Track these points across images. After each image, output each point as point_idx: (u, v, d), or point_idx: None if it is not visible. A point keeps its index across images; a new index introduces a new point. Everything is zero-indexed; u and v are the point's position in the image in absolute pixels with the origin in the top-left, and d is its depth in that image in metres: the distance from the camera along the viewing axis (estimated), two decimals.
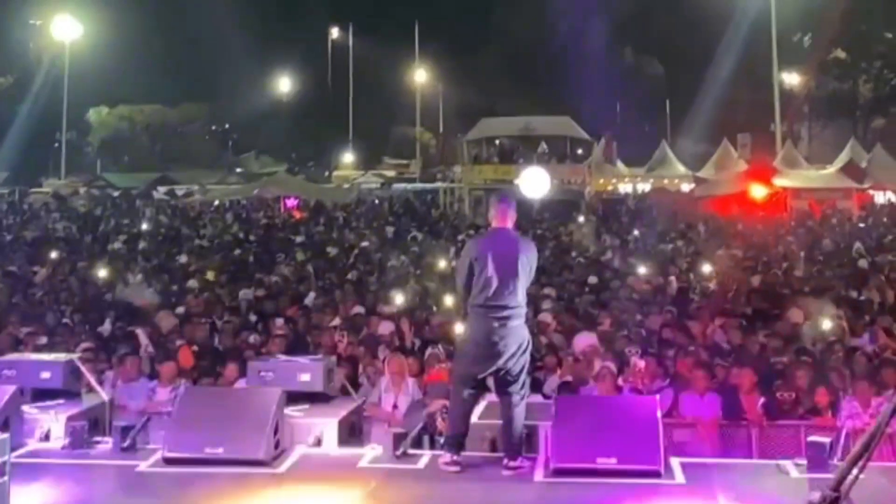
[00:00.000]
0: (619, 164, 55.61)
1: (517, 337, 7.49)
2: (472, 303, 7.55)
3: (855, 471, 3.67)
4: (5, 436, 4.81)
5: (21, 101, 61.57)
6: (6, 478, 4.74)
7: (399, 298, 15.54)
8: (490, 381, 7.74)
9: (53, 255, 23.87)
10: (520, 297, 7.52)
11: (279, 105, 77.62)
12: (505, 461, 7.45)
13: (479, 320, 7.52)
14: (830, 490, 3.66)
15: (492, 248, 7.57)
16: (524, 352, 7.56)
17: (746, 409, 9.61)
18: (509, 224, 7.73)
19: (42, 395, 8.96)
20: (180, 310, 15.05)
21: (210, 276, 19.27)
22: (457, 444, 7.54)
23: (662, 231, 28.32)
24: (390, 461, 7.67)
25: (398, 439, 7.76)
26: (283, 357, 9.74)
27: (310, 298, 16.10)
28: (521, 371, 7.56)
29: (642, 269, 19.11)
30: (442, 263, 19.43)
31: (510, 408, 7.55)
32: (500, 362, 7.45)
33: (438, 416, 8.22)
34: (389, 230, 31.46)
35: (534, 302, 14.94)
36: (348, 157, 76.47)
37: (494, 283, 7.44)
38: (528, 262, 7.57)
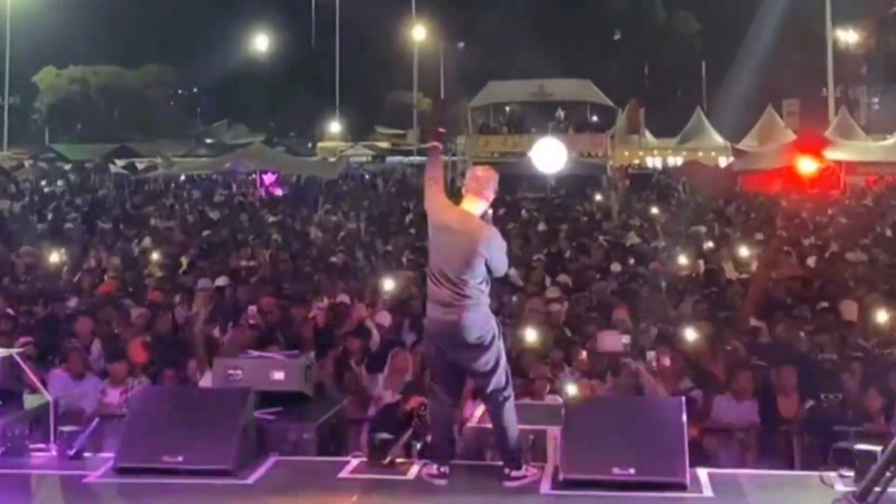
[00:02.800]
0: (647, 135, 55.61)
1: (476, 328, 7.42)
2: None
3: (885, 479, 3.67)
4: None
5: None
6: None
7: (390, 286, 15.55)
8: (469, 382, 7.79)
9: None
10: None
11: (255, 67, 77.60)
12: (506, 471, 7.47)
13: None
14: (855, 499, 3.66)
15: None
16: (489, 345, 7.45)
17: (786, 413, 9.63)
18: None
19: None
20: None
21: (183, 261, 19.38)
22: (442, 453, 7.56)
23: (696, 211, 28.31)
24: (376, 471, 7.67)
25: (385, 445, 7.76)
26: (253, 352, 9.77)
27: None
28: (492, 368, 7.47)
29: (672, 255, 19.12)
30: None
31: (495, 411, 7.52)
32: (459, 357, 7.45)
33: (415, 416, 8.24)
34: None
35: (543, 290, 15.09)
36: (335, 127, 76.49)
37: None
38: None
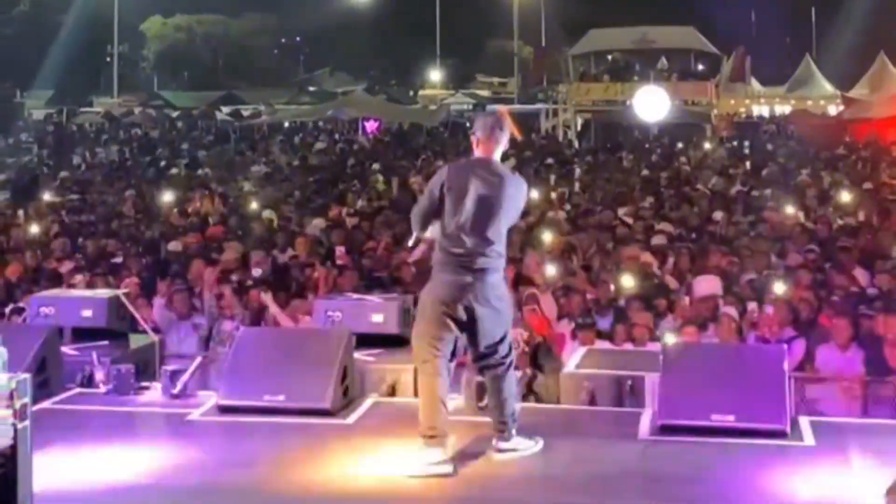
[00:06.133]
0: (754, 83, 54.51)
1: (496, 295, 6.88)
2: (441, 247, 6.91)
3: None
4: (26, 376, 4.96)
5: (66, 10, 62.62)
6: (27, 422, 4.90)
7: None
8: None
9: (105, 182, 24.58)
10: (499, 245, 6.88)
11: (357, 15, 77.58)
12: (495, 442, 6.98)
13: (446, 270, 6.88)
14: None
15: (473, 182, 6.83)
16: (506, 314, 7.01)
17: (893, 362, 9.46)
18: (495, 154, 6.99)
19: (84, 335, 9.21)
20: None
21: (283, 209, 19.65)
22: None
23: (805, 160, 27.81)
24: (473, 413, 7.67)
25: (481, 388, 7.76)
26: (353, 295, 9.84)
27: None
28: (503, 338, 6.97)
29: (777, 203, 18.80)
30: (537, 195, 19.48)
31: (497, 381, 7.00)
32: (473, 327, 6.82)
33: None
34: None
35: (647, 238, 15.00)
36: (436, 75, 76.34)
37: (469, 226, 6.77)
38: (514, 204, 6.90)
